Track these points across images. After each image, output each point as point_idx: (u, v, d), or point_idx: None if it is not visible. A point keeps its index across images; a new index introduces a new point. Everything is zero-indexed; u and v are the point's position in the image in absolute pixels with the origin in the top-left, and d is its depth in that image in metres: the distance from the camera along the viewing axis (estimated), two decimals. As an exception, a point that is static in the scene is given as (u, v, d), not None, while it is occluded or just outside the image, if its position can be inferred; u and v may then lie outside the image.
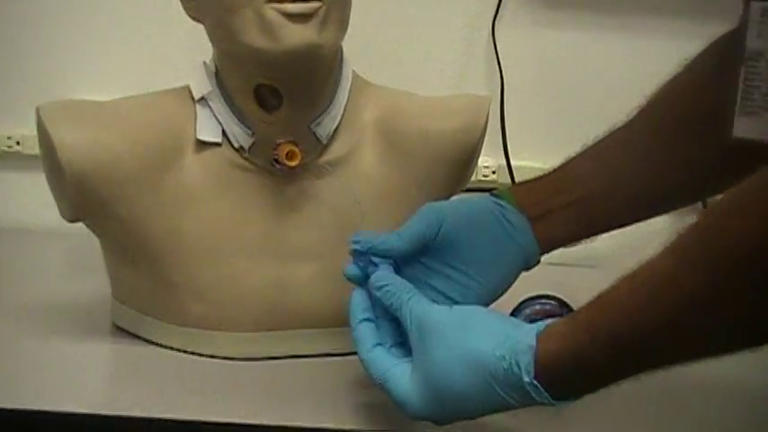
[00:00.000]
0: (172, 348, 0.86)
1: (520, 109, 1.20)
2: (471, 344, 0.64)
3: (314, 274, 0.86)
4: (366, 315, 0.72)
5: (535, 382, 0.62)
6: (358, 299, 0.73)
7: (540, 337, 0.63)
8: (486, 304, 0.76)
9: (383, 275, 0.72)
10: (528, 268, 0.79)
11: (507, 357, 0.63)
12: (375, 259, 0.74)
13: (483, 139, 0.90)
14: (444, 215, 0.76)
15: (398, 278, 0.72)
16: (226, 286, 0.85)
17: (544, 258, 0.81)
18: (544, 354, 0.62)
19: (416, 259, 0.76)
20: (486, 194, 0.80)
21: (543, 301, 0.84)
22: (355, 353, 0.74)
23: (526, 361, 0.62)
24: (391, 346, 0.71)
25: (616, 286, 0.61)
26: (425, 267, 0.77)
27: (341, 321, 0.82)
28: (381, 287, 0.72)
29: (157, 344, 0.87)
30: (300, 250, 0.86)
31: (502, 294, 0.78)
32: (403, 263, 0.76)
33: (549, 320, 0.64)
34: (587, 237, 0.80)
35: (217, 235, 0.84)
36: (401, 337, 0.72)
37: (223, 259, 0.84)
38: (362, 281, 0.74)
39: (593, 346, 0.60)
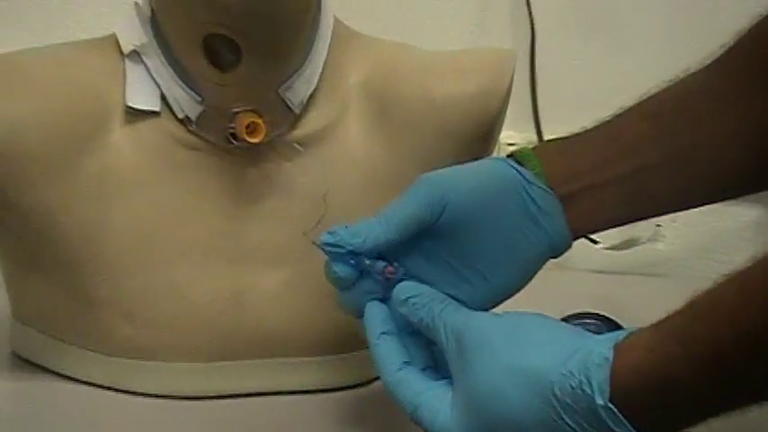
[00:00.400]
0: (93, 385, 0.84)
1: (556, 67, 1.17)
2: (528, 358, 0.63)
3: (282, 284, 0.83)
4: (387, 327, 0.72)
5: (611, 405, 0.60)
6: (375, 309, 0.72)
7: (619, 348, 0.61)
8: (496, 305, 0.74)
9: (407, 287, 0.71)
10: (554, 257, 0.77)
11: (576, 374, 0.61)
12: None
13: (506, 106, 0.87)
14: (448, 192, 0.73)
15: (425, 287, 0.72)
16: (165, 301, 0.82)
17: (587, 265, 0.85)
18: (624, 369, 0.60)
19: (409, 248, 0.73)
20: (503, 159, 0.77)
21: (586, 321, 0.84)
22: (341, 388, 0.73)
23: (600, 378, 0.60)
24: (423, 369, 0.71)
25: (718, 287, 0.59)
26: (420, 258, 0.74)
27: (318, 347, 0.83)
28: (406, 300, 0.71)
29: (74, 379, 0.84)
30: (264, 253, 0.83)
31: (517, 292, 0.76)
32: (390, 254, 0.73)
33: (634, 329, 0.62)
34: (636, 220, 0.78)
35: (153, 234, 0.82)
36: (431, 360, 0.72)
37: (162, 266, 0.82)
38: (353, 281, 0.73)
39: (687, 362, 0.58)
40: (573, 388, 0.61)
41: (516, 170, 0.75)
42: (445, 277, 0.74)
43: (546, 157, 0.76)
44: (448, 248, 0.74)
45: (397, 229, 0.72)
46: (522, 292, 0.75)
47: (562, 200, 0.75)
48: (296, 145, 0.82)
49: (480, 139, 0.86)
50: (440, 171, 0.75)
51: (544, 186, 0.75)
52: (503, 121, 0.88)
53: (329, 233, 0.72)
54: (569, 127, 0.96)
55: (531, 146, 0.78)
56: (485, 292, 0.74)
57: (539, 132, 1.14)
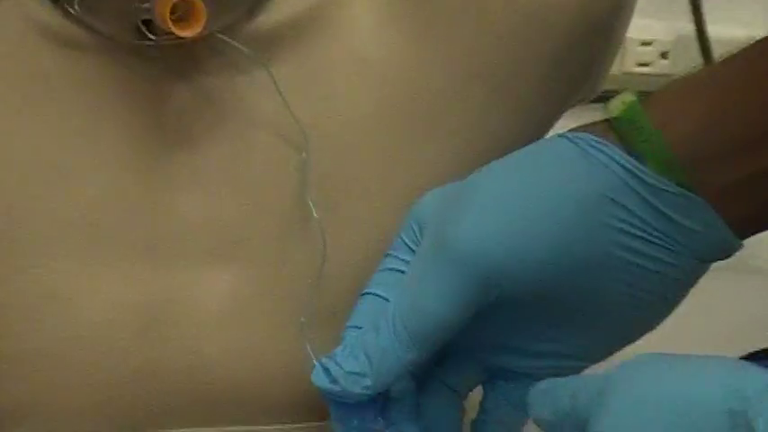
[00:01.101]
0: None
1: None
2: (675, 389, 0.60)
3: (232, 293, 0.73)
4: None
5: None
6: None
7: None
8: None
9: (543, 382, 0.69)
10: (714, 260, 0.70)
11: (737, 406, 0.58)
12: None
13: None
14: (499, 271, 0.67)
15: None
16: (33, 324, 0.72)
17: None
18: None
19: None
20: (590, 135, 0.67)
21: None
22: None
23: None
24: None
25: None
26: (487, 325, 0.70)
27: (293, 407, 0.76)
28: (545, 393, 0.67)
29: None
30: (203, 239, 0.73)
31: (651, 330, 0.72)
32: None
33: None
34: None
35: (8, 204, 0.72)
36: None
37: (25, 261, 0.72)
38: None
39: None
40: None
41: (619, 164, 0.66)
42: (531, 348, 0.70)
43: (673, 119, 0.66)
44: (523, 315, 0.69)
45: (421, 345, 0.68)
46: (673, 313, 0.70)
47: (710, 196, 0.65)
48: (243, 48, 0.71)
49: (593, 32, 0.75)
50: (480, 210, 0.66)
51: (679, 190, 0.65)
52: (634, 2, 0.76)
53: (323, 366, 0.68)
54: (745, 11, 0.95)
55: (637, 96, 0.68)
56: (598, 352, 0.70)
57: (698, 24, 1.10)
